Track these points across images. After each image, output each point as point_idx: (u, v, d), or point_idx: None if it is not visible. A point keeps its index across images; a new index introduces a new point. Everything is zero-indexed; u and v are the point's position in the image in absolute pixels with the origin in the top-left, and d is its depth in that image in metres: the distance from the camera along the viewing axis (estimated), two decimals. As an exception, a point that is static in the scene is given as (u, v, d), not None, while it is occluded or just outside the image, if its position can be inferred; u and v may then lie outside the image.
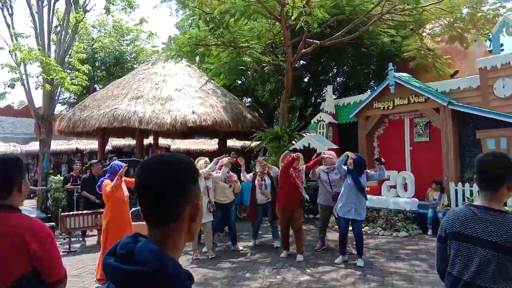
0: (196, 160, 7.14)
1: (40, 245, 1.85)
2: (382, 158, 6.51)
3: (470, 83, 8.89)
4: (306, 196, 6.66)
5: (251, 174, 7.62)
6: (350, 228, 6.28)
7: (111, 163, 6.05)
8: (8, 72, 10.68)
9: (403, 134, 9.95)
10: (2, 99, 11.52)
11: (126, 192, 5.80)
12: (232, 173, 7.49)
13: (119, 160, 7.13)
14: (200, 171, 6.61)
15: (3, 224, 1.83)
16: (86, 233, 8.39)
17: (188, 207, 1.10)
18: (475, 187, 7.99)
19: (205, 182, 6.69)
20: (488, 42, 10.84)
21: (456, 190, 8.32)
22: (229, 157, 7.26)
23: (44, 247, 1.86)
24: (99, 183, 5.79)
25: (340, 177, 6.48)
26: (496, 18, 8.86)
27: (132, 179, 6.27)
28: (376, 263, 6.17)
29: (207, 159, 7.15)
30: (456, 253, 1.98)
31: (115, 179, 5.46)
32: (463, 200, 8.16)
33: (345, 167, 6.17)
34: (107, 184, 5.53)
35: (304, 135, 11.75)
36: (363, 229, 8.23)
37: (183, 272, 1.02)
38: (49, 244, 1.91)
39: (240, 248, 7.26)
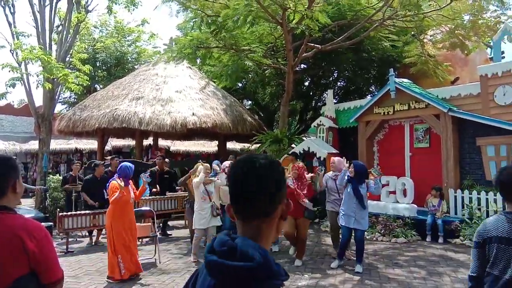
0: (196, 165, 7.10)
1: (37, 245, 1.82)
2: (380, 172, 6.50)
3: (470, 90, 8.89)
4: (309, 206, 6.34)
5: None
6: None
7: (120, 165, 6.06)
8: (9, 71, 10.67)
9: (403, 140, 9.94)
10: (3, 98, 11.49)
11: (132, 194, 5.86)
12: None
13: (126, 161, 7.13)
14: (197, 179, 6.59)
15: None
16: (92, 233, 8.38)
17: (281, 205, 1.16)
18: (474, 194, 8.01)
19: (204, 187, 6.66)
20: (488, 49, 10.87)
21: (455, 196, 8.32)
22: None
23: (41, 248, 1.84)
24: (108, 184, 5.87)
25: None
26: (497, 26, 8.88)
27: (140, 193, 6.26)
28: (374, 269, 6.15)
29: (208, 165, 7.06)
30: (496, 256, 2.20)
31: (116, 194, 5.56)
32: (463, 207, 8.16)
33: (345, 176, 6.18)
34: (114, 191, 5.61)
35: (304, 138, 11.76)
36: (361, 235, 8.27)
37: (281, 267, 1.06)
38: (46, 244, 1.88)
39: None
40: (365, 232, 8.13)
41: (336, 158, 7.09)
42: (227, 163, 7.36)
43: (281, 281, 1.04)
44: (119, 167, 5.97)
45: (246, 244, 1.03)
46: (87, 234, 8.60)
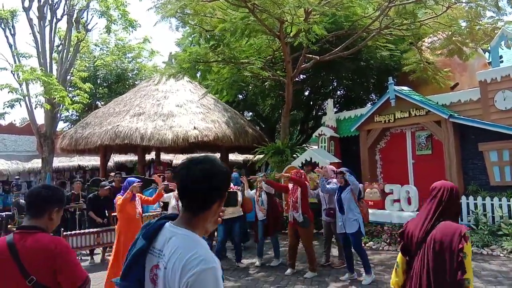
0: None
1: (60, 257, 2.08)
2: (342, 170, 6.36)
3: (470, 96, 8.91)
4: (297, 217, 6.30)
5: (254, 190, 7.56)
6: None
7: (126, 180, 6.08)
8: (8, 92, 10.78)
9: (405, 147, 9.93)
10: (1, 118, 11.57)
11: (139, 209, 5.82)
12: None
13: (133, 177, 7.14)
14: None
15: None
16: (93, 252, 8.36)
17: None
18: (479, 200, 7.96)
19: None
20: (487, 54, 10.90)
21: (460, 203, 8.26)
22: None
23: (62, 258, 2.09)
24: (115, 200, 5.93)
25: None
26: (494, 32, 8.92)
27: (147, 198, 6.22)
28: (381, 279, 6.09)
29: None
30: None
31: (126, 193, 5.61)
32: (468, 213, 8.10)
33: (334, 186, 6.22)
34: (119, 198, 5.66)
35: (306, 148, 11.75)
36: (367, 244, 8.21)
37: None
38: (66, 255, 2.13)
39: (245, 265, 7.19)
40: (371, 242, 8.19)
41: (329, 166, 7.08)
42: None
43: None
44: (125, 183, 6.01)
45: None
46: (87, 252, 8.56)
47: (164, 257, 1.44)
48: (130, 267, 1.51)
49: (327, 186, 6.25)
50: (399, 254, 2.75)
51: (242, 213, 7.51)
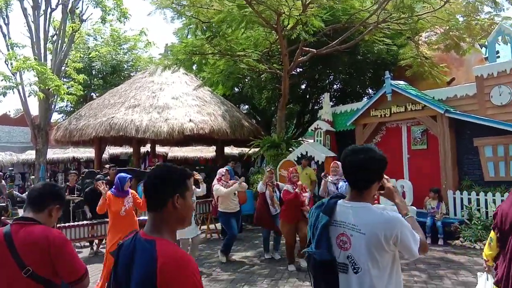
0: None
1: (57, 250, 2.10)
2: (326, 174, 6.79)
3: (466, 91, 8.91)
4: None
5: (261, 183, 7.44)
6: None
7: (117, 176, 5.88)
8: (2, 80, 10.69)
9: (401, 142, 9.94)
10: None
11: (126, 206, 5.53)
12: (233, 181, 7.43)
13: (123, 171, 6.95)
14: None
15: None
16: (93, 243, 8.36)
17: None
18: (474, 195, 8.00)
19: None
20: (483, 49, 10.90)
21: (454, 198, 8.31)
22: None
23: (60, 251, 2.11)
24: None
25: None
26: (492, 27, 8.91)
27: (140, 200, 5.78)
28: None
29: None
30: None
31: (101, 199, 5.53)
32: (462, 208, 8.14)
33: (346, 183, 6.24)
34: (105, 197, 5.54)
35: (302, 142, 11.75)
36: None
37: None
38: (65, 248, 2.15)
39: (234, 258, 7.20)
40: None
41: (339, 162, 7.04)
42: (222, 171, 7.29)
43: None
44: (116, 179, 5.84)
45: None
46: (86, 244, 8.58)
47: (354, 226, 1.87)
48: (320, 238, 1.90)
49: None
50: (493, 231, 3.16)
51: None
